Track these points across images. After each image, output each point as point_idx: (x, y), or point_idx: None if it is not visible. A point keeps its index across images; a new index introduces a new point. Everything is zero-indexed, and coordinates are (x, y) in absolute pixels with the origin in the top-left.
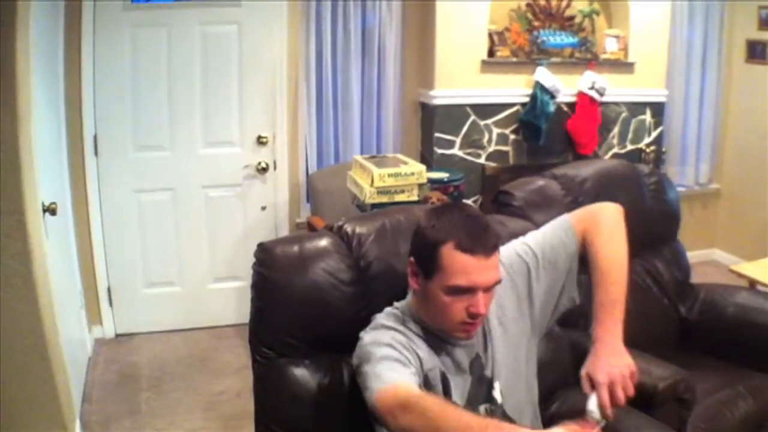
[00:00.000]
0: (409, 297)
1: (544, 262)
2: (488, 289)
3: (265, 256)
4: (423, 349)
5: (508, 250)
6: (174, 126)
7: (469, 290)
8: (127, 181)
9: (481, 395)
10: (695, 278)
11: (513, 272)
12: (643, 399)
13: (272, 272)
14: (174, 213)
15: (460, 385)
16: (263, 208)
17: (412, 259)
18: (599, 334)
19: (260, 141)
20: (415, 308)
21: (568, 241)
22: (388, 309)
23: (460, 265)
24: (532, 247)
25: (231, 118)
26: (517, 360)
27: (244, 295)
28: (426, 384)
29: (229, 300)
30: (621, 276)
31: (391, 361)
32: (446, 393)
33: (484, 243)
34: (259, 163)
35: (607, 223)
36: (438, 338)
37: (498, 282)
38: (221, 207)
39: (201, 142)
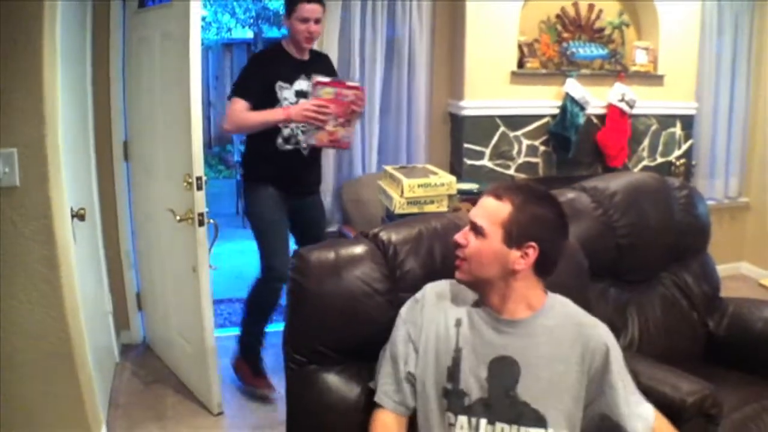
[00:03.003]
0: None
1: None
2: (474, 230)
3: (300, 263)
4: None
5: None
6: (158, 140)
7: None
8: (149, 191)
9: (507, 415)
10: (723, 292)
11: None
12: (671, 414)
13: (306, 279)
14: (170, 240)
15: (471, 372)
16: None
17: None
18: None
19: None
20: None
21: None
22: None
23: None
24: (615, 368)
25: None
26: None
27: None
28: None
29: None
30: None
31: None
32: (455, 368)
33: (498, 188)
34: None
35: None
36: (479, 318)
37: (481, 228)
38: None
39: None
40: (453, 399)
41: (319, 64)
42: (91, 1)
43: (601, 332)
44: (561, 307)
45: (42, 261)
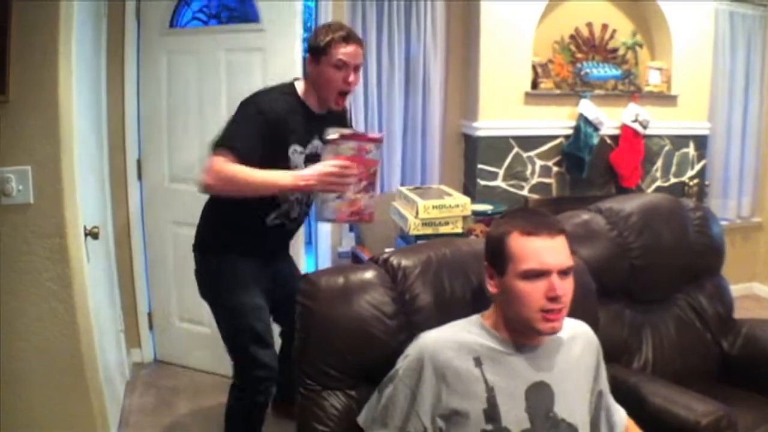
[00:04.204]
0: (476, 317)
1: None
2: (564, 273)
3: (310, 287)
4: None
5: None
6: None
7: (542, 273)
8: (166, 210)
9: None
10: (736, 312)
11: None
12: None
13: (316, 304)
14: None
15: (511, 407)
16: None
17: (486, 263)
18: None
19: None
20: (489, 320)
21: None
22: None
23: (529, 249)
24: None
25: None
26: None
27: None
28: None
29: None
30: None
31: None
32: (492, 408)
33: (546, 225)
34: None
35: None
36: (498, 352)
37: (571, 267)
38: None
39: None
40: None
41: (334, 117)
42: (105, 19)
43: (590, 330)
44: None
45: (55, 279)
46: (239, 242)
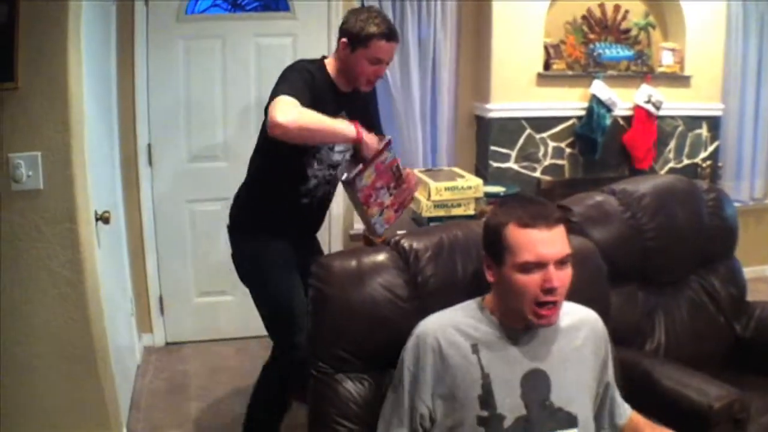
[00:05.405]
0: (478, 301)
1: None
2: (561, 263)
3: (322, 271)
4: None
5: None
6: (229, 136)
7: (539, 265)
8: (181, 190)
9: (546, 425)
10: (749, 295)
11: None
12: (699, 419)
13: (329, 287)
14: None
15: (506, 394)
16: None
17: (484, 252)
18: None
19: None
20: (489, 304)
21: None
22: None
23: (526, 241)
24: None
25: None
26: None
27: None
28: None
29: None
30: None
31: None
32: (488, 395)
33: (544, 216)
34: None
35: None
36: (495, 338)
37: (569, 255)
38: None
39: None
40: (491, 425)
41: (359, 96)
42: (114, 5)
43: (599, 320)
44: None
45: (66, 265)
46: (273, 222)
